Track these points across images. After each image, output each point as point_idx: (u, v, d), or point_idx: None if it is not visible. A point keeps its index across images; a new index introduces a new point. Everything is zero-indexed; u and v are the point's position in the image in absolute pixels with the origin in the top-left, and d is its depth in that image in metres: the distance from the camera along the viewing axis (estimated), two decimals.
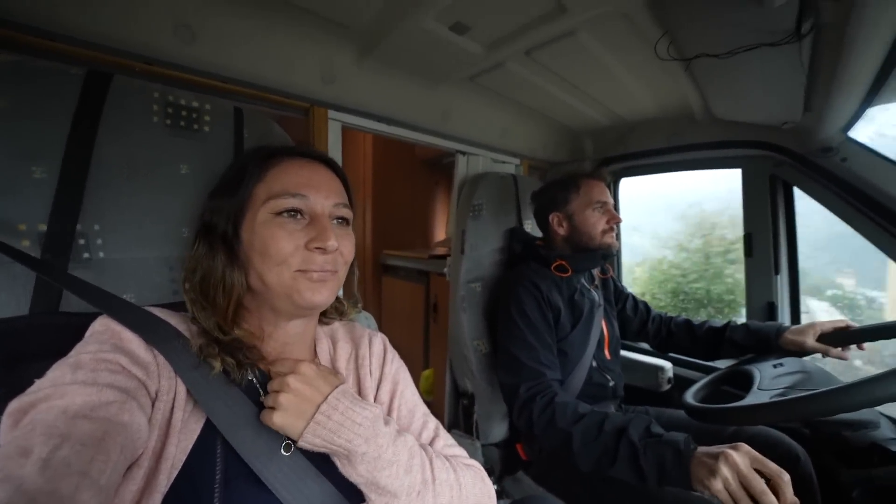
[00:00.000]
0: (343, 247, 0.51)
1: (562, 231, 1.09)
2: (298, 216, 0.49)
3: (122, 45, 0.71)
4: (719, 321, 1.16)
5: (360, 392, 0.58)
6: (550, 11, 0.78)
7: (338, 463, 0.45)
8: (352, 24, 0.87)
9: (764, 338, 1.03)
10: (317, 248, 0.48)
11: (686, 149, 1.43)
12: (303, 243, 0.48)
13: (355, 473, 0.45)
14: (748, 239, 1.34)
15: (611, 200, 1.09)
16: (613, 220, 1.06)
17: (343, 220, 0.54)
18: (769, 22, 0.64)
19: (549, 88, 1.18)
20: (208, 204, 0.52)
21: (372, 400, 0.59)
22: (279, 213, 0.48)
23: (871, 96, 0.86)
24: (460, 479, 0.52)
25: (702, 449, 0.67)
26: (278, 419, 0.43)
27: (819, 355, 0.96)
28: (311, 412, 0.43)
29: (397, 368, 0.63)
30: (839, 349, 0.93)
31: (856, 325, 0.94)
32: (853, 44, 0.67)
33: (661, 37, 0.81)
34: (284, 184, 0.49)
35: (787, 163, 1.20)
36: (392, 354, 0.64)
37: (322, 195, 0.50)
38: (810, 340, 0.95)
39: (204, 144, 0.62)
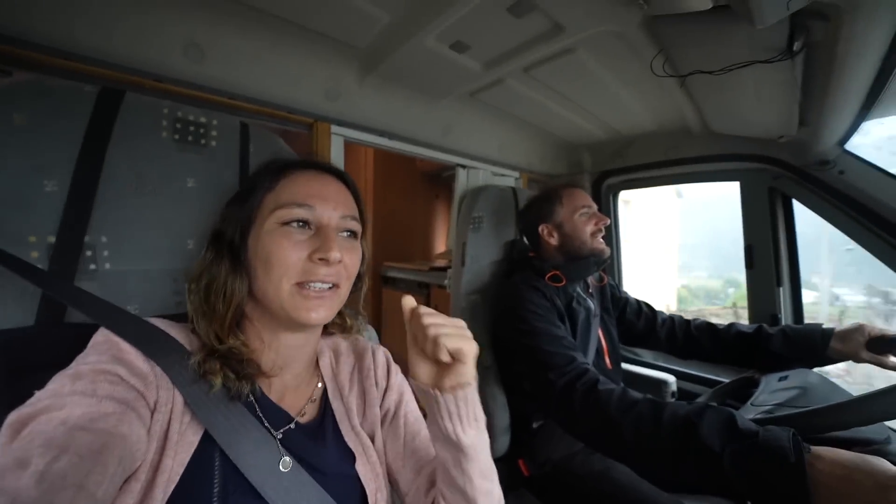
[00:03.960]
0: (348, 259, 0.51)
1: (553, 241, 1.10)
2: (304, 227, 0.49)
3: (134, 63, 0.73)
4: (746, 325, 1.09)
5: (364, 403, 0.58)
6: (548, 31, 0.81)
7: (445, 422, 0.45)
8: (356, 43, 0.90)
9: (808, 347, 0.94)
10: (320, 258, 0.47)
11: (684, 162, 1.44)
12: (306, 254, 0.48)
13: (453, 431, 0.45)
14: (749, 251, 1.34)
15: (594, 205, 1.11)
16: (601, 222, 1.07)
17: (351, 234, 0.54)
18: (761, 40, 0.66)
19: (547, 104, 1.20)
20: (221, 213, 0.53)
21: (377, 409, 0.59)
22: (285, 223, 0.48)
23: (865, 111, 0.87)
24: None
25: (824, 455, 0.49)
26: (468, 364, 0.43)
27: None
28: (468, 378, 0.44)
29: (401, 380, 0.63)
30: (894, 358, 0.84)
31: None
32: (844, 61, 0.69)
33: (656, 54, 0.84)
34: (293, 194, 0.49)
35: (785, 175, 1.22)
36: (395, 368, 0.64)
37: (330, 206, 0.50)
38: (862, 351, 0.86)
39: (211, 159, 0.64)
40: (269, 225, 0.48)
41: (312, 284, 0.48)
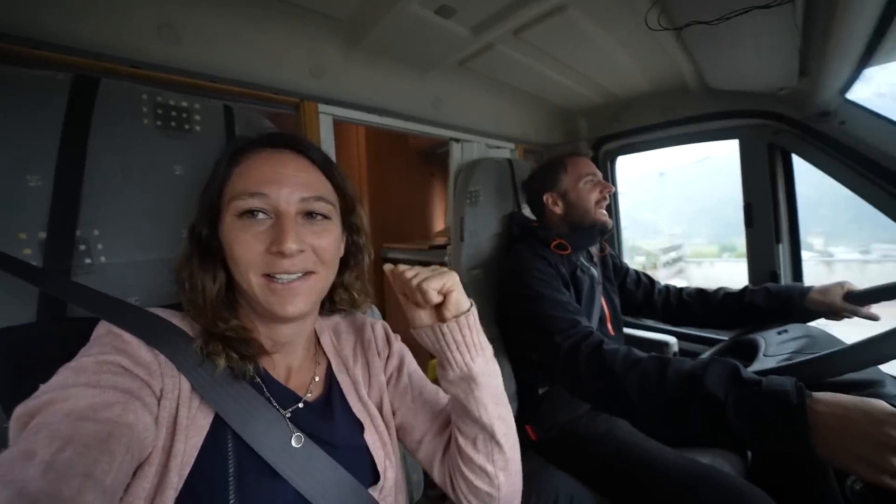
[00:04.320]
0: (318, 243, 0.48)
1: (558, 210, 1.10)
2: (261, 215, 0.46)
3: (107, 48, 0.70)
4: (734, 288, 1.13)
5: (370, 373, 0.60)
6: None
7: (454, 355, 0.48)
8: (338, 14, 0.86)
9: (787, 299, 0.99)
10: (276, 251, 0.44)
11: (682, 122, 1.41)
12: (265, 247, 0.45)
13: (463, 363, 0.48)
14: (748, 209, 1.33)
15: (599, 173, 1.10)
16: (606, 190, 1.07)
17: (318, 216, 0.49)
18: None
19: (539, 69, 1.16)
20: (196, 210, 0.52)
21: (382, 377, 0.60)
22: (241, 214, 0.46)
23: (868, 57, 0.84)
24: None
25: (824, 398, 0.50)
26: (457, 292, 0.48)
27: (823, 319, 0.96)
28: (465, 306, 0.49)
29: (401, 346, 0.65)
30: (869, 309, 0.90)
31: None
32: (847, 3, 0.66)
33: (651, 7, 0.80)
34: (245, 183, 0.46)
35: (784, 130, 1.19)
36: (395, 337, 0.66)
37: (286, 190, 0.46)
38: (839, 300, 0.91)
39: (196, 144, 0.62)
40: (228, 217, 0.46)
41: (278, 276, 0.46)
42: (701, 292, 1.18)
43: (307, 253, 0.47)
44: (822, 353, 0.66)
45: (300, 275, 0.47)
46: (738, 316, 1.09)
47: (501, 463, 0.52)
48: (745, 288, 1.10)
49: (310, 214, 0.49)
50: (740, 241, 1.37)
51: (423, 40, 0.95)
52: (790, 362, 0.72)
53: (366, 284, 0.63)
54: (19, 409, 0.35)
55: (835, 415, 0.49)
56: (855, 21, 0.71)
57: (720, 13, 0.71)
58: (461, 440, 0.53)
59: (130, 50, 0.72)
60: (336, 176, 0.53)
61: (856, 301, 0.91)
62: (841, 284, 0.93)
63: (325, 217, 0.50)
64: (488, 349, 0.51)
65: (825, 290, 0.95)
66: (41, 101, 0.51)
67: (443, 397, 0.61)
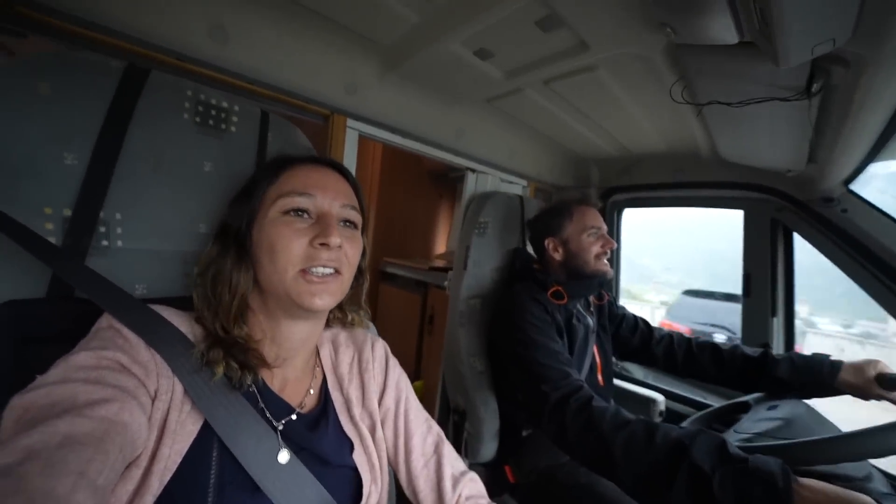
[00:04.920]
0: (348, 247, 0.51)
1: (557, 256, 1.10)
2: (305, 215, 0.50)
3: (159, 40, 0.73)
4: (751, 349, 1.07)
5: (363, 395, 0.59)
6: (573, 47, 0.81)
7: None
8: (380, 39, 0.90)
9: (816, 374, 0.93)
10: (321, 243, 0.48)
11: (690, 185, 1.46)
12: (307, 240, 0.48)
13: None
14: (747, 279, 1.36)
15: (604, 226, 1.10)
16: (608, 246, 1.07)
17: (351, 224, 0.54)
18: (782, 79, 0.67)
19: (562, 116, 1.21)
20: (228, 210, 0.54)
21: (376, 403, 0.59)
22: (287, 212, 0.49)
23: (874, 153, 0.89)
24: None
25: (810, 485, 0.52)
26: None
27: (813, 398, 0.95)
28: None
29: (399, 375, 0.64)
30: None
31: None
32: (860, 106, 0.70)
33: (676, 81, 0.85)
34: (294, 184, 0.51)
35: (788, 208, 1.24)
36: (394, 361, 0.65)
37: (330, 195, 0.51)
38: (872, 385, 0.85)
39: (229, 144, 0.64)
40: (272, 214, 0.49)
41: (315, 269, 0.48)
42: (714, 347, 1.11)
43: (342, 252, 0.51)
44: (813, 438, 0.66)
45: (332, 271, 0.50)
46: (755, 382, 1.03)
47: None
48: (766, 353, 1.02)
49: (345, 221, 0.53)
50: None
51: (458, 76, 0.99)
52: (777, 443, 0.72)
53: (363, 305, 0.64)
54: (15, 400, 0.34)
55: (818, 503, 0.50)
56: (865, 122, 0.76)
57: (741, 98, 0.75)
58: None
59: (180, 44, 0.75)
60: (362, 198, 0.58)
61: (888, 386, 0.85)
62: (873, 365, 0.88)
63: (355, 227, 0.55)
64: None
65: (857, 369, 0.89)
66: (92, 82, 0.53)
67: (430, 441, 0.61)
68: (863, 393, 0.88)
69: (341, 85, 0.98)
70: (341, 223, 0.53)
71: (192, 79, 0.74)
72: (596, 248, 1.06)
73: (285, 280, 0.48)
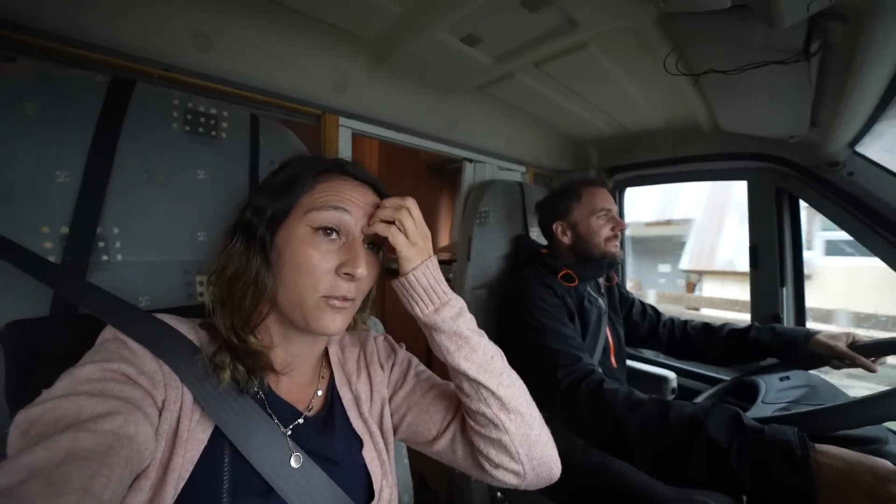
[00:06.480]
0: (368, 275, 0.50)
1: (566, 240, 1.09)
2: (334, 235, 0.48)
3: (143, 52, 0.72)
4: (740, 325, 1.13)
5: (371, 388, 0.59)
6: (561, 26, 0.80)
7: (422, 307, 0.51)
8: (365, 35, 0.89)
9: (791, 340, 0.99)
10: (346, 273, 0.47)
11: (692, 160, 1.44)
12: (334, 266, 0.47)
13: (439, 319, 0.50)
14: (754, 250, 1.34)
15: (614, 207, 1.08)
16: (618, 227, 1.05)
17: (374, 246, 0.53)
18: (778, 41, 0.65)
19: (556, 98, 1.19)
20: (252, 202, 0.51)
21: (385, 391, 0.59)
22: (317, 230, 0.48)
23: (879, 112, 0.87)
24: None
25: (827, 451, 0.51)
26: (404, 248, 0.49)
27: (826, 368, 0.95)
28: (424, 256, 0.51)
29: (405, 355, 0.64)
30: (870, 360, 0.89)
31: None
32: (861, 63, 0.68)
33: (669, 52, 0.83)
34: (330, 197, 0.49)
35: (792, 176, 1.21)
36: (398, 347, 0.65)
37: (360, 213, 0.50)
38: (842, 345, 0.91)
39: (221, 151, 0.63)
40: (301, 228, 0.48)
41: (334, 300, 0.48)
42: (706, 326, 1.17)
43: (362, 281, 0.50)
44: (826, 405, 0.65)
45: (350, 300, 0.49)
46: (740, 352, 1.08)
47: (497, 405, 0.50)
48: (752, 325, 1.09)
49: (370, 244, 0.52)
50: None
51: (447, 65, 0.97)
52: (790, 412, 0.72)
53: (366, 308, 0.64)
54: (20, 416, 0.34)
55: (837, 468, 0.50)
56: (867, 81, 0.73)
57: (737, 64, 0.73)
58: (459, 395, 0.53)
59: (164, 54, 0.75)
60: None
61: (860, 351, 0.90)
62: (848, 334, 0.93)
63: (379, 248, 0.55)
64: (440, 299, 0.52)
65: (832, 336, 0.94)
66: (78, 99, 0.53)
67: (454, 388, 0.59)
68: (836, 356, 0.92)
69: (330, 83, 0.97)
70: (367, 246, 0.52)
71: (178, 88, 0.73)
72: (606, 232, 1.05)
73: (304, 303, 0.47)
